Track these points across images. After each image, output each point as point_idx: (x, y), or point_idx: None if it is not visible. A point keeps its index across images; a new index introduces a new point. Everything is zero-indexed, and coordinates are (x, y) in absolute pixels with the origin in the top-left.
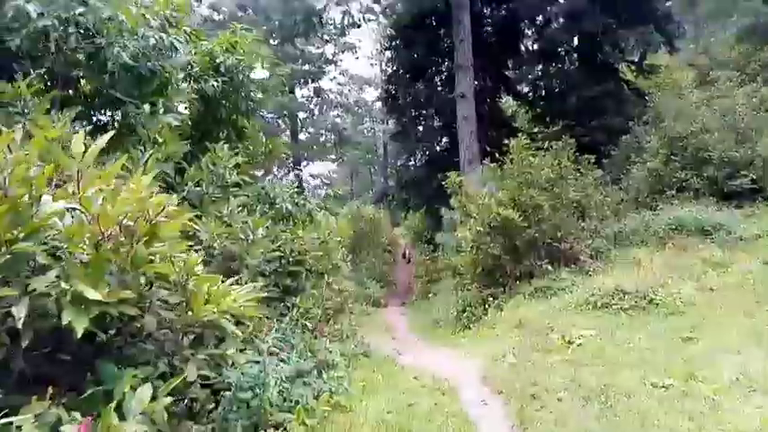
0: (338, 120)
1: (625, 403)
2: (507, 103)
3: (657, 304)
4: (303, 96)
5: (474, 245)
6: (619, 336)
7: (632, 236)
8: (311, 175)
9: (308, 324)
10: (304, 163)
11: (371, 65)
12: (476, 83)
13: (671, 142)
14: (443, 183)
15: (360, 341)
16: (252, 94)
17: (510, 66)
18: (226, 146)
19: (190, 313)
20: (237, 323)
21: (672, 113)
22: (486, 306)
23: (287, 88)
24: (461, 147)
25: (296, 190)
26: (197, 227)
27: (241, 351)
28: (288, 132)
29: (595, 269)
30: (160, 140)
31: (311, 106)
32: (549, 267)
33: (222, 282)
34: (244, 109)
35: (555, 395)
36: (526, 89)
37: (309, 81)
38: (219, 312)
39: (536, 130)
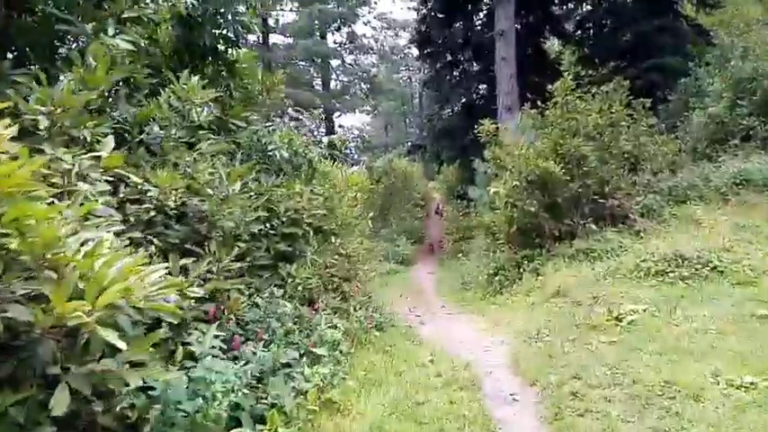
0: (373, 68)
1: (695, 410)
2: (552, 44)
3: (723, 272)
4: (335, 42)
5: (509, 201)
6: (679, 313)
7: (690, 191)
8: (342, 127)
9: (306, 296)
10: (336, 114)
11: (408, 8)
12: (517, 21)
13: (737, 84)
14: (479, 133)
15: (373, 312)
16: (241, 16)
17: (556, 1)
18: (196, 77)
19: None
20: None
21: (739, 51)
22: (521, 269)
23: (318, 32)
24: (499, 92)
25: (295, 136)
26: (135, 178)
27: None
28: (319, 81)
29: (647, 230)
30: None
31: (343, 53)
32: (594, 227)
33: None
34: (233, 35)
35: (601, 393)
36: (573, 28)
37: (341, 25)
38: (102, 308)
39: (583, 73)
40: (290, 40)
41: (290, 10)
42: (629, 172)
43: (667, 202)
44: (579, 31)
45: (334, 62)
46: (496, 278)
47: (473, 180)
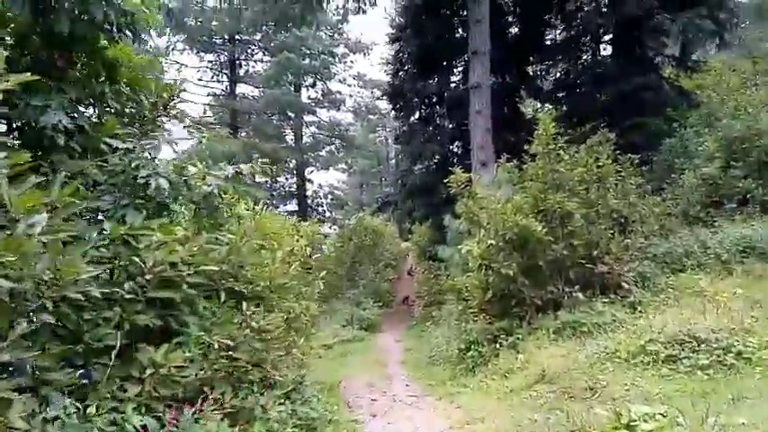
0: (348, 126)
1: None
2: (528, 103)
3: (750, 361)
4: (309, 98)
5: (483, 263)
6: (711, 421)
7: (686, 258)
8: (310, 181)
9: (181, 394)
10: (309, 169)
11: (385, 72)
12: (493, 79)
13: (730, 144)
14: (449, 183)
15: (303, 405)
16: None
17: (532, 61)
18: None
19: None
20: None
21: (730, 110)
22: (498, 344)
23: (289, 84)
24: (473, 146)
25: (182, 162)
26: None
27: None
28: (291, 135)
29: (643, 301)
30: None
31: (317, 108)
32: (581, 296)
33: None
34: (109, 22)
35: None
36: (551, 86)
37: (317, 80)
38: None
39: (561, 131)
40: (258, 92)
41: (259, 60)
42: (620, 234)
43: (662, 269)
44: (556, 90)
45: (308, 117)
46: (469, 354)
47: (445, 239)
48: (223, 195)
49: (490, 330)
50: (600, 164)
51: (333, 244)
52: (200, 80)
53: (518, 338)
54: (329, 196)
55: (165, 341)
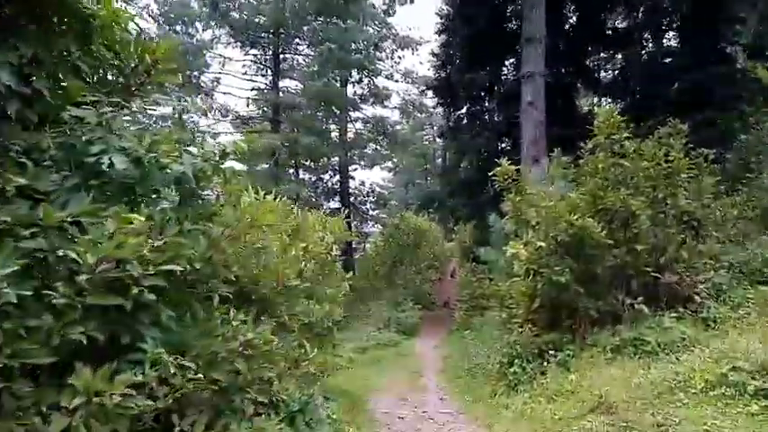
0: (395, 125)
1: None
2: (585, 97)
3: None
4: (356, 94)
5: (531, 268)
6: None
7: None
8: (352, 178)
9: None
10: (353, 167)
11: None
12: (546, 71)
13: None
14: (495, 177)
15: (309, 425)
16: None
17: (590, 51)
18: None
19: None
20: None
21: None
22: (545, 360)
23: (336, 80)
24: (524, 141)
25: (150, 134)
26: None
27: None
28: (336, 132)
29: (718, 318)
30: None
31: (363, 105)
32: (645, 309)
33: None
34: None
35: None
36: (609, 78)
37: (363, 75)
38: None
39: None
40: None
41: (304, 54)
42: (694, 239)
43: (740, 281)
44: (616, 83)
45: (353, 114)
46: (511, 369)
47: (489, 240)
48: (203, 177)
49: (537, 344)
50: (670, 158)
51: (374, 243)
52: (244, 74)
53: (569, 355)
54: (373, 194)
55: (114, 359)
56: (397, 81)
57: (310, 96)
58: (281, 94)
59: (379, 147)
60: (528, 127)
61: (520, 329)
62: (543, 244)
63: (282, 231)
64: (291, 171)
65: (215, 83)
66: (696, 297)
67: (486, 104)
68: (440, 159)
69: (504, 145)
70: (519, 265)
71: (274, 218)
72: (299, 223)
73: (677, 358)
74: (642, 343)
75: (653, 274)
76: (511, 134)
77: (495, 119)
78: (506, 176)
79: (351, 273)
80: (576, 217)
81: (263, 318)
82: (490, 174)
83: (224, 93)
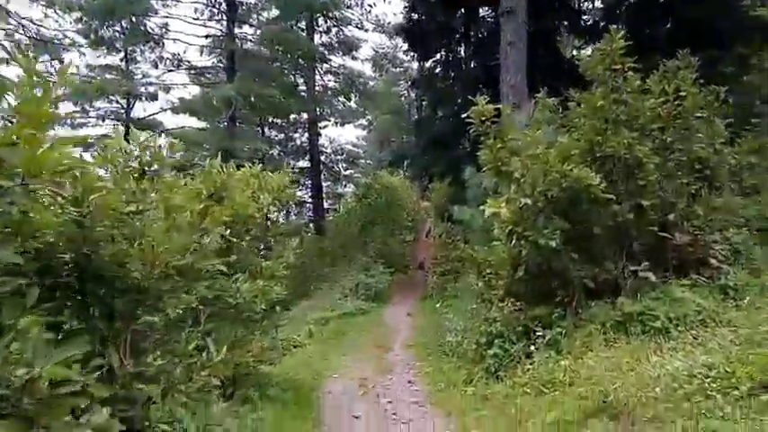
0: (369, 80)
1: None
2: (569, 47)
3: None
4: (323, 44)
5: (515, 230)
6: None
7: None
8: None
9: None
10: (323, 124)
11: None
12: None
13: None
14: (470, 117)
15: None
16: None
17: None
18: None
19: None
20: None
21: None
22: (532, 341)
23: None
24: (503, 86)
25: None
26: None
27: None
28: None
29: (739, 285)
30: None
31: (332, 57)
32: (651, 276)
33: None
34: None
35: None
36: (596, 17)
37: (331, 25)
38: None
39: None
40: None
41: None
42: (708, 192)
43: (761, 240)
44: (604, 22)
45: (322, 66)
46: (491, 351)
47: (465, 198)
48: None
49: (521, 321)
50: (682, 92)
51: (345, 204)
52: (196, 20)
53: (560, 334)
54: (343, 152)
55: None
56: (367, 30)
57: (270, 43)
58: (237, 41)
59: (349, 102)
60: (509, 70)
61: (500, 303)
62: (529, 201)
63: (195, 193)
64: (257, 129)
65: (163, 29)
66: (711, 261)
67: (462, 51)
68: (415, 116)
69: (483, 92)
70: (500, 227)
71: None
72: (224, 181)
73: (691, 337)
74: (650, 318)
75: (660, 234)
76: (489, 83)
77: (472, 66)
78: (484, 118)
79: (322, 236)
80: (569, 167)
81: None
82: (466, 122)
83: (174, 40)
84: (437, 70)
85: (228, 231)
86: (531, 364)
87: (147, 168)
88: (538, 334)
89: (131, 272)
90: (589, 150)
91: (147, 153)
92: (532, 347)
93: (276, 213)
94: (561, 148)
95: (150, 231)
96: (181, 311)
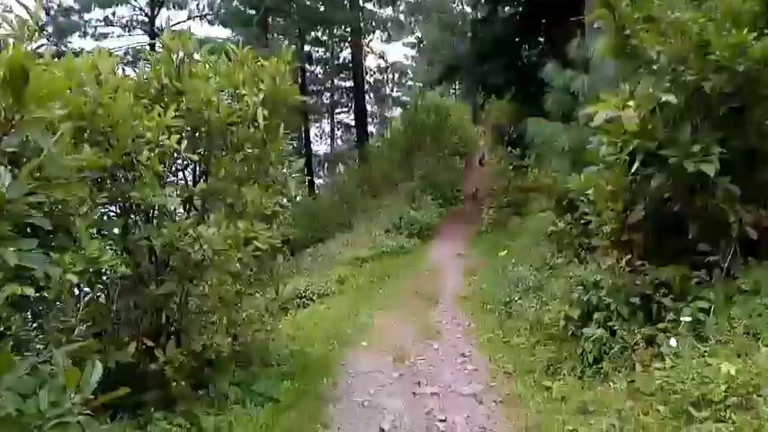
0: None
1: None
2: None
3: None
4: None
5: (641, 145)
6: None
7: None
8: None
9: None
10: (370, 38)
11: None
12: None
13: None
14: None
15: None
16: None
17: None
18: None
19: None
20: None
21: None
22: (657, 319)
23: None
24: None
25: None
26: None
27: None
28: None
29: None
30: None
31: None
32: None
33: None
34: None
35: None
36: None
37: None
38: None
39: None
40: None
41: None
42: None
43: None
44: None
45: None
46: (589, 332)
47: (535, 112)
48: None
49: (637, 287)
50: None
51: (390, 128)
52: None
53: (704, 310)
54: (392, 69)
55: None
56: None
57: None
58: None
59: (397, 11)
60: None
61: (604, 257)
62: (671, 98)
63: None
64: (296, 43)
65: None
66: None
67: None
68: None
69: None
70: (611, 143)
71: None
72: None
73: None
74: None
75: None
76: None
77: None
78: None
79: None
80: (749, 36)
81: None
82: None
83: None
84: None
85: (185, 145)
86: (658, 357)
87: None
88: (667, 309)
89: None
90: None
91: None
92: (658, 331)
93: (275, 121)
94: (725, 8)
95: None
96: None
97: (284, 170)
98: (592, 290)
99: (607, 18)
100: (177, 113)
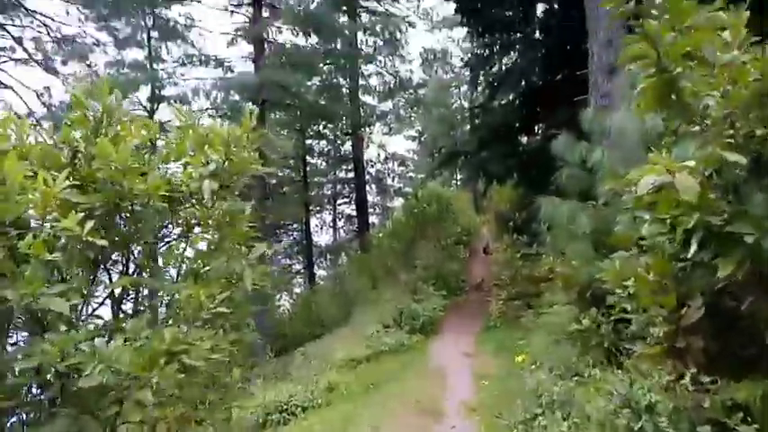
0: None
1: None
2: None
3: None
4: (369, 44)
5: (701, 221)
6: None
7: None
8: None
9: None
10: (369, 130)
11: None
12: None
13: None
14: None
15: None
16: None
17: None
18: None
19: None
20: None
21: None
22: None
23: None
24: (592, 58)
25: None
26: None
27: None
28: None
29: None
30: None
31: (380, 56)
32: None
33: None
34: None
35: None
36: None
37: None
38: None
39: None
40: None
41: None
42: None
43: None
44: None
45: (369, 68)
46: None
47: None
48: None
49: (706, 410)
50: None
51: (391, 218)
52: (225, 9)
53: None
54: (392, 160)
55: None
56: (414, 27)
57: (296, 23)
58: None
59: (397, 106)
60: (596, 33)
61: (659, 369)
62: (739, 158)
63: None
64: (296, 137)
65: (188, 20)
66: None
67: (529, 13)
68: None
69: (553, 67)
70: (655, 220)
71: None
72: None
73: None
74: None
75: None
76: (567, 59)
77: (542, 38)
78: None
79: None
80: None
81: None
82: (534, 109)
83: (200, 34)
84: (497, 43)
85: (89, 226)
86: None
87: None
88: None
89: None
90: None
91: None
92: None
93: (230, 197)
94: None
95: None
96: None
97: (242, 260)
98: (644, 414)
99: (649, 55)
100: (89, 184)
